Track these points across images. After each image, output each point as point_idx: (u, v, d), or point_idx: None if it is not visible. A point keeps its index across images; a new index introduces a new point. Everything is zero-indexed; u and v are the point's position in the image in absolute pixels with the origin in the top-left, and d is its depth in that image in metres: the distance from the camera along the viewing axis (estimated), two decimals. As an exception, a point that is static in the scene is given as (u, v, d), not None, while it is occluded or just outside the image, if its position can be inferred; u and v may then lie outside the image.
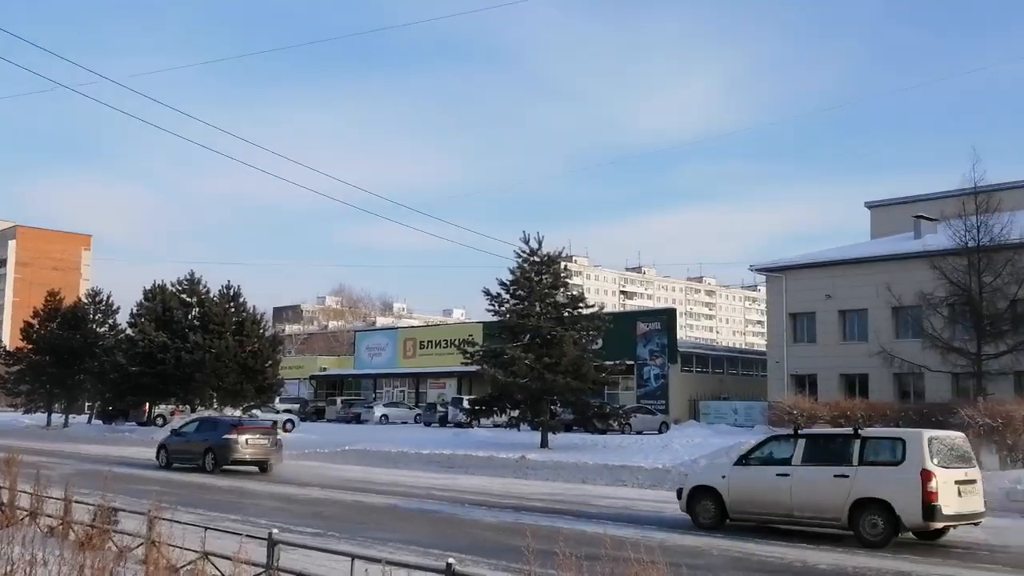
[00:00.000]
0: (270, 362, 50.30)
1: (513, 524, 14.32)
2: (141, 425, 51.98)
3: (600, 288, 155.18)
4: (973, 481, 13.53)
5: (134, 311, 53.63)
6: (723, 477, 14.82)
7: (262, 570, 8.16)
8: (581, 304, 34.91)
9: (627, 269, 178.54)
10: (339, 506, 17.48)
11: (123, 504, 10.80)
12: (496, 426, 38.80)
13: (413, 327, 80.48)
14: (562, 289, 35.13)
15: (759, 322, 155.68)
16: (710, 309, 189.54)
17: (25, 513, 11.63)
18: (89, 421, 59.38)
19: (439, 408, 53.52)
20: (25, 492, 11.85)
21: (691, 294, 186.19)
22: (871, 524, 12.94)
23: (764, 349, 54.07)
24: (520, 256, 34.23)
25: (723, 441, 29.84)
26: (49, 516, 11.30)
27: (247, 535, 8.69)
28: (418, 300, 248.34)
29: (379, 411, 56.75)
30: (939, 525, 13.07)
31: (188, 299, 52.24)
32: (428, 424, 51.87)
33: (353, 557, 7.89)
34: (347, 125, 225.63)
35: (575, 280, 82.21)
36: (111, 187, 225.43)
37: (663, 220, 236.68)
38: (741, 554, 12.17)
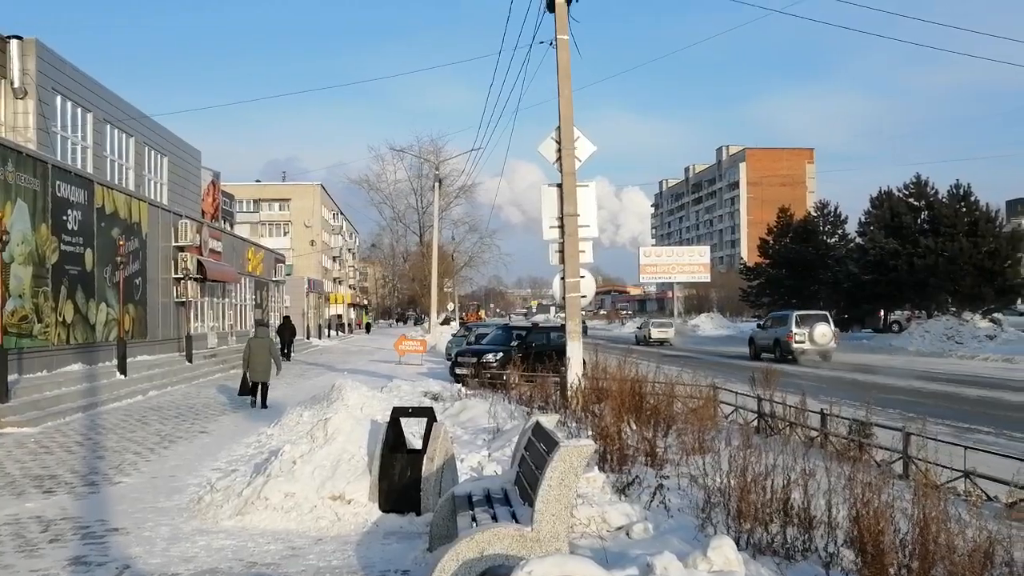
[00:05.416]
0: (1009, 262, 46.84)
1: None
2: (876, 332, 52.72)
3: None
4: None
5: (862, 219, 54.43)
6: None
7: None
8: None
9: None
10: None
11: (883, 419, 11.03)
12: None
13: None
14: None
15: None
16: None
17: (785, 424, 12.53)
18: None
19: None
20: (786, 405, 12.70)
21: None
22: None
23: None
24: None
25: None
26: (809, 428, 11.88)
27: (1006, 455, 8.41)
28: None
29: None
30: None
31: (916, 203, 51.14)
32: None
33: None
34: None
35: None
36: (827, 99, 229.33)
37: None
38: None
